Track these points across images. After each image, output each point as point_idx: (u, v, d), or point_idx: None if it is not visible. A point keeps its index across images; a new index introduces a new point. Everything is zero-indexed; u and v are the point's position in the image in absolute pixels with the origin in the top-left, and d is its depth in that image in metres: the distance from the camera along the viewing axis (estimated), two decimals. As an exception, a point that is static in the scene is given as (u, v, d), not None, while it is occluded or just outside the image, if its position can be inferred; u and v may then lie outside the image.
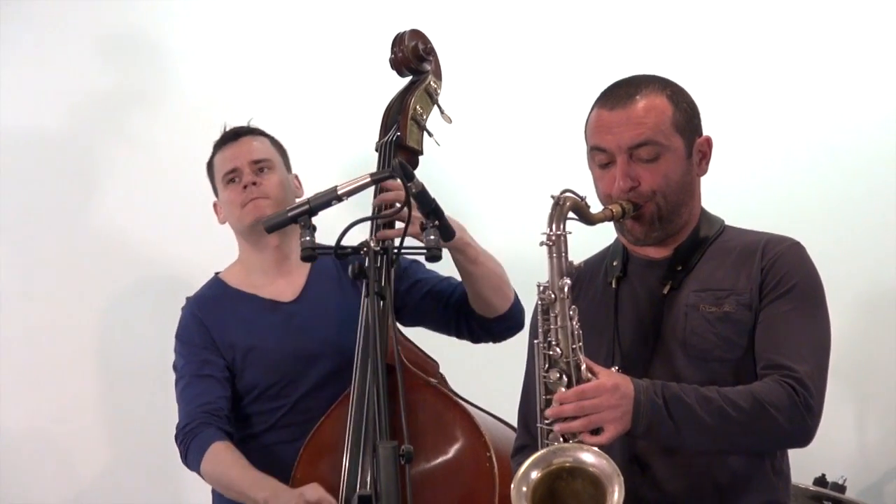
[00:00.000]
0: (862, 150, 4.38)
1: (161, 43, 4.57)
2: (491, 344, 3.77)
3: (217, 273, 3.82)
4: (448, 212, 3.12)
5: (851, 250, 4.24)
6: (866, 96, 4.40)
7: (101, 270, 4.53)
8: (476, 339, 3.75)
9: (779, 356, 2.78)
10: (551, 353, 2.76)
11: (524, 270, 2.91)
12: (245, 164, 3.70)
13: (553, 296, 2.78)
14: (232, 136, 3.74)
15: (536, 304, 2.87)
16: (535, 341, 2.81)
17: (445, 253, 3.32)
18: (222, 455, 3.53)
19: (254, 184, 3.67)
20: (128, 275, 4.53)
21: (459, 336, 3.76)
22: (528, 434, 2.97)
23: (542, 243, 2.80)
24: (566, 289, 2.77)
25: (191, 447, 3.56)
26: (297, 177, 3.81)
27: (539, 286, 2.81)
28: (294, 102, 4.26)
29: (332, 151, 3.86)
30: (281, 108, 3.82)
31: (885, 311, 4.31)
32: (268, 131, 3.81)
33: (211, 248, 3.94)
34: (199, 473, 3.58)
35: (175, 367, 3.73)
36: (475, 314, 3.65)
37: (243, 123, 3.80)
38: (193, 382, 3.64)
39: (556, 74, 4.51)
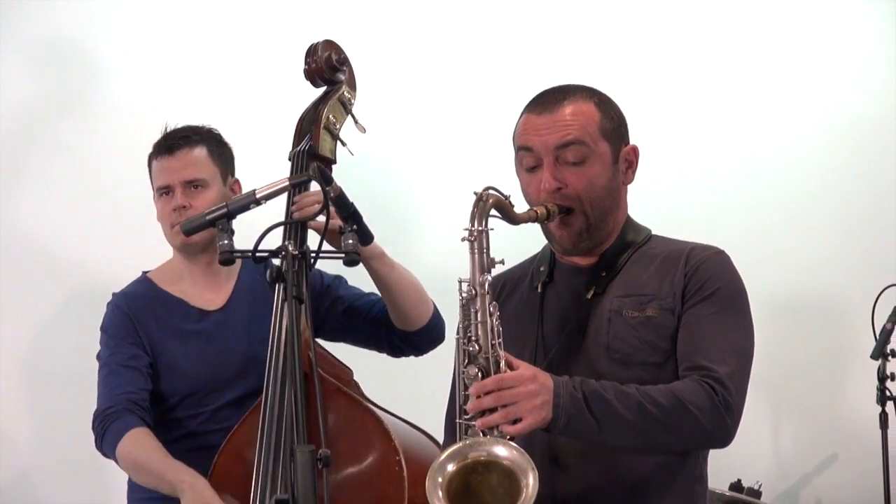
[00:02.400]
0: (782, 162, 4.46)
1: (89, 49, 4.55)
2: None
3: (145, 272, 3.79)
4: (377, 216, 3.13)
5: (768, 259, 4.31)
6: (788, 110, 4.48)
7: (27, 275, 4.51)
8: (396, 354, 3.77)
9: (699, 357, 2.81)
10: (471, 348, 2.77)
11: (453, 277, 2.92)
12: (177, 182, 3.64)
13: (474, 291, 2.79)
14: (167, 149, 3.66)
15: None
16: (456, 337, 2.82)
17: (360, 270, 3.32)
18: (143, 439, 3.49)
19: (183, 207, 3.62)
20: (54, 278, 4.51)
21: (380, 350, 3.77)
22: (454, 436, 2.94)
23: (463, 239, 2.81)
24: (486, 285, 2.79)
25: (109, 429, 3.51)
26: (237, 182, 3.76)
27: (460, 282, 2.82)
28: (214, 110, 4.19)
29: (250, 160, 3.86)
30: (201, 114, 3.79)
31: (800, 319, 4.40)
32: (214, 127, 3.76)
33: (139, 252, 3.92)
34: (113, 456, 3.52)
35: (99, 357, 3.68)
36: (396, 328, 3.67)
37: (185, 123, 3.74)
38: (119, 371, 3.60)
39: (482, 80, 4.57)
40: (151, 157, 3.72)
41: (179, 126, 3.74)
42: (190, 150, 3.67)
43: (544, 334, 2.96)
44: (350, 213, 3.07)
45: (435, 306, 3.68)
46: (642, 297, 2.90)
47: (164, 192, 3.67)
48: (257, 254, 2.99)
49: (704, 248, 2.95)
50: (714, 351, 2.82)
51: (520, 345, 2.92)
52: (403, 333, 3.68)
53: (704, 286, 2.88)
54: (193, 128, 3.74)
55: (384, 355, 3.79)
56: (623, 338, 2.88)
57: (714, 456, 2.96)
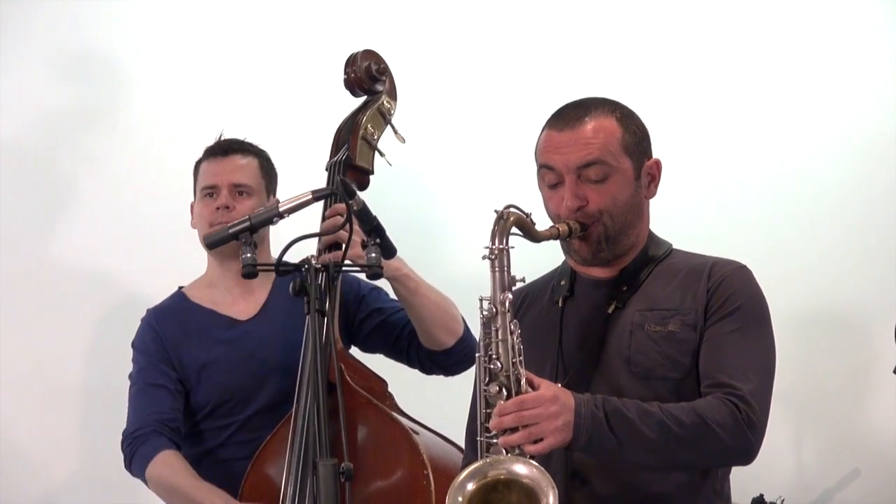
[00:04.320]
0: (803, 176, 4.38)
1: (118, 61, 4.55)
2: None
3: (181, 287, 3.82)
4: (406, 229, 3.13)
5: (790, 274, 4.25)
6: (809, 123, 4.39)
7: (60, 287, 4.51)
8: (427, 371, 3.77)
9: (722, 375, 2.79)
10: (492, 366, 2.76)
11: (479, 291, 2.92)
12: (225, 183, 3.67)
13: (494, 309, 2.79)
14: (221, 151, 3.71)
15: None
16: (477, 355, 2.81)
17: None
18: (172, 461, 3.53)
19: (227, 207, 3.64)
20: (86, 292, 4.50)
21: (411, 366, 3.78)
22: (475, 452, 2.95)
23: (484, 257, 2.81)
24: (507, 303, 2.78)
25: (138, 451, 3.55)
26: (278, 201, 3.68)
27: (481, 300, 2.81)
28: (250, 121, 4.20)
29: (288, 170, 3.88)
30: (237, 126, 3.81)
31: (821, 333, 4.33)
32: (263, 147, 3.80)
33: (170, 265, 3.93)
34: (142, 478, 3.56)
35: (130, 376, 3.72)
36: (423, 347, 3.66)
37: (238, 136, 3.78)
38: (146, 390, 3.64)
39: (512, 93, 4.51)
40: (200, 161, 3.76)
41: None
42: (242, 156, 3.72)
43: (564, 348, 2.94)
44: (373, 227, 3.08)
45: (467, 328, 3.66)
46: (664, 311, 2.88)
47: (209, 192, 3.69)
48: (281, 267, 3.02)
49: (727, 263, 2.92)
50: (737, 368, 2.79)
51: (540, 359, 2.91)
52: (430, 353, 3.68)
53: (727, 302, 2.85)
54: (248, 142, 3.79)
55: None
56: (644, 352, 2.86)
57: (736, 471, 2.93)
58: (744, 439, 2.75)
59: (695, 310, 2.86)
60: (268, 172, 3.77)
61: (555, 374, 2.90)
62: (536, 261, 3.04)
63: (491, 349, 2.78)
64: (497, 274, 2.81)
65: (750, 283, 2.90)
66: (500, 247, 2.80)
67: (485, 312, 2.81)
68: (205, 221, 3.69)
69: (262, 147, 3.80)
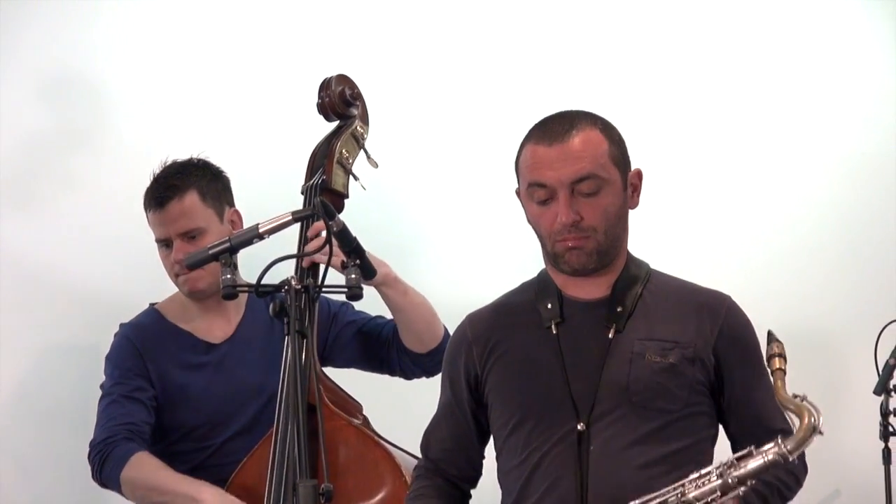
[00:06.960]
0: (783, 197, 4.41)
1: (99, 83, 4.53)
2: (415, 388, 3.79)
3: (153, 304, 3.80)
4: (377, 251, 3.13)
5: (770, 296, 4.25)
6: (788, 144, 4.42)
7: (39, 309, 4.47)
8: (408, 375, 3.77)
9: (772, 421, 2.86)
10: None
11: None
12: (173, 235, 3.64)
13: None
14: (157, 203, 3.65)
15: None
16: None
17: (369, 292, 3.33)
18: (148, 460, 3.50)
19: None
20: (67, 312, 4.47)
21: (392, 373, 3.78)
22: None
23: None
24: None
25: (110, 456, 3.52)
26: (236, 212, 3.75)
27: None
28: (228, 144, 4.23)
29: (263, 193, 3.87)
30: (215, 149, 3.81)
31: (802, 355, 4.19)
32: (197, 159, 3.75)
33: (150, 286, 3.92)
34: (116, 484, 3.52)
35: (102, 387, 3.69)
36: (407, 350, 3.68)
37: (170, 160, 3.74)
38: (120, 401, 3.61)
39: (481, 116, 4.54)
40: (145, 207, 3.71)
41: (166, 165, 3.72)
42: (179, 200, 3.65)
43: (570, 378, 2.87)
44: (353, 248, 3.07)
45: (446, 329, 3.67)
46: (665, 342, 2.85)
47: (163, 243, 3.68)
48: (261, 288, 3.01)
49: (721, 298, 2.93)
50: (776, 411, 2.84)
51: (544, 386, 2.87)
52: (415, 355, 3.69)
53: (745, 348, 2.90)
54: (180, 170, 3.70)
55: (392, 391, 3.79)
56: (643, 381, 2.83)
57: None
58: (803, 480, 2.92)
59: (694, 344, 2.85)
60: (212, 196, 3.70)
61: (574, 411, 2.84)
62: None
63: None
64: None
65: (747, 319, 2.94)
66: None
67: None
68: (170, 272, 3.69)
69: (196, 160, 3.74)
